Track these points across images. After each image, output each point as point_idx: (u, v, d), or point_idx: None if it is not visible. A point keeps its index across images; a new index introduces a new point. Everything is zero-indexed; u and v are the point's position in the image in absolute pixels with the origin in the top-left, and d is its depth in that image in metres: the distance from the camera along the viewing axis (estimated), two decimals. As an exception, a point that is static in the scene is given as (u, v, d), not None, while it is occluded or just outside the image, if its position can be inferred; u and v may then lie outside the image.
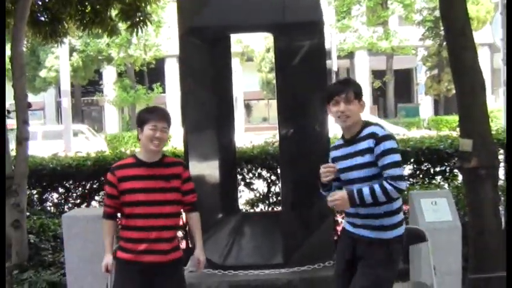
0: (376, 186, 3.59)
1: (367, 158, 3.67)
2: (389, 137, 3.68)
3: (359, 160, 3.70)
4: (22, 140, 5.85)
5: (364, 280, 3.66)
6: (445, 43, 9.51)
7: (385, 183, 3.58)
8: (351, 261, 3.82)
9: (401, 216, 3.81)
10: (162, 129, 3.84)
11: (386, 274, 3.70)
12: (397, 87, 39.81)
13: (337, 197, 3.68)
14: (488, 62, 37.46)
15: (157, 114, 3.87)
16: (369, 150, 3.66)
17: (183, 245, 7.21)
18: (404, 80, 43.57)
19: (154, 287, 3.85)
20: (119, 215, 3.99)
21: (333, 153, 3.95)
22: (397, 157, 3.64)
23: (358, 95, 3.82)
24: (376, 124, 3.81)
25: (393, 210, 3.74)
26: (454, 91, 5.94)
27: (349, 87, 3.80)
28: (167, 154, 6.27)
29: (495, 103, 27.97)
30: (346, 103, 3.74)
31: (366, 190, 3.61)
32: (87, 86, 39.91)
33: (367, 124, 3.80)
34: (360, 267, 3.72)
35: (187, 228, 6.80)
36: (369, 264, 3.68)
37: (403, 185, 3.63)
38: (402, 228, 3.79)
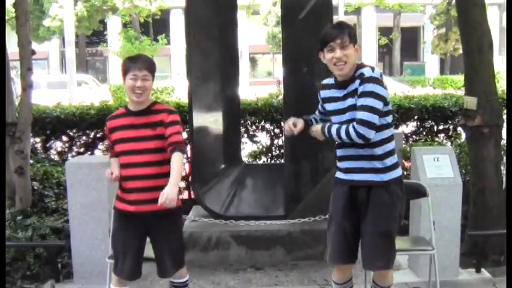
0: (344, 127, 3.49)
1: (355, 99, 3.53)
2: (374, 79, 3.47)
3: (352, 101, 3.55)
4: (26, 87, 5.83)
5: (376, 225, 3.57)
6: (454, 1, 9.36)
7: (350, 127, 3.46)
8: (349, 210, 3.67)
9: (395, 158, 3.67)
10: (142, 77, 3.74)
11: (393, 214, 3.60)
12: (404, 45, 39.53)
13: (314, 128, 3.72)
14: (497, 22, 37.06)
15: (137, 63, 3.77)
16: (357, 92, 3.52)
17: (185, 195, 7.29)
18: (411, 37, 43.22)
19: (150, 236, 3.89)
20: None
21: (323, 93, 3.80)
22: (374, 102, 3.43)
23: (353, 38, 3.60)
24: (370, 66, 3.60)
25: (386, 152, 3.61)
26: (461, 51, 5.90)
27: (343, 31, 3.56)
28: (171, 104, 6.27)
29: (502, 63, 27.73)
30: (341, 49, 3.51)
31: (333, 127, 3.56)
32: (92, 36, 39.64)
33: (360, 66, 3.59)
34: (368, 213, 3.59)
35: (189, 179, 6.87)
36: (373, 209, 3.57)
37: (369, 132, 3.42)
38: (399, 171, 3.67)
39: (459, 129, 7.11)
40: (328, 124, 3.65)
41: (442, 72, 39.35)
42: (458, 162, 5.27)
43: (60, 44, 39.12)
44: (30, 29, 6.04)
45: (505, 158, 5.95)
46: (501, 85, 6.92)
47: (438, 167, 5.05)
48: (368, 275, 4.40)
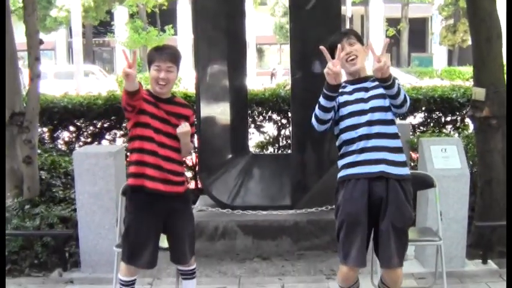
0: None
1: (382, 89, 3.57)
2: None
3: (378, 91, 3.62)
4: (34, 76, 5.84)
5: (396, 220, 3.54)
6: (462, -9, 9.34)
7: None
8: (369, 208, 3.58)
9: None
10: (167, 68, 3.73)
11: (409, 209, 3.60)
12: (412, 36, 39.38)
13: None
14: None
15: (162, 53, 3.75)
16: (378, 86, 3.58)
17: (192, 185, 7.31)
18: (419, 29, 43.00)
19: (167, 221, 3.87)
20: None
21: (342, 98, 3.69)
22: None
23: (359, 38, 3.81)
24: None
25: (400, 147, 3.69)
26: (469, 42, 5.89)
27: (349, 33, 3.82)
28: (178, 95, 6.29)
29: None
30: (350, 45, 3.71)
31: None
32: (99, 27, 39.61)
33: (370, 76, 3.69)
34: (387, 208, 3.54)
35: (196, 169, 6.88)
36: (392, 204, 3.53)
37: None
38: (408, 169, 3.70)
39: (467, 120, 7.09)
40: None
41: (450, 63, 39.19)
42: (465, 154, 5.26)
43: (67, 35, 39.10)
44: (37, 18, 6.04)
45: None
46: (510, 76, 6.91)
47: (446, 158, 5.04)
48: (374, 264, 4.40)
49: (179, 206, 3.90)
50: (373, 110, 3.61)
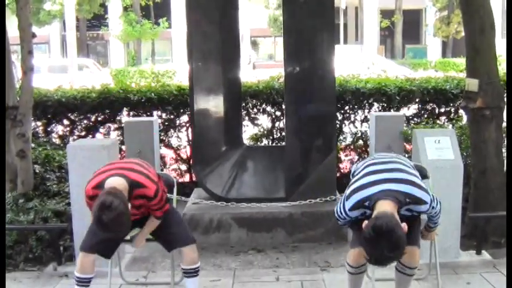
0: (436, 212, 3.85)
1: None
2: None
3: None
4: (27, 70, 5.81)
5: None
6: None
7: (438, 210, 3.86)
8: None
9: None
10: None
11: None
12: (406, 28, 39.27)
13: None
14: (500, 4, 36.84)
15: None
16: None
17: (186, 178, 7.31)
18: (413, 20, 42.93)
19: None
20: None
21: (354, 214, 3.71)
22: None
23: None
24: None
25: None
26: (463, 33, 5.87)
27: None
28: (172, 88, 6.23)
29: (505, 46, 27.58)
30: None
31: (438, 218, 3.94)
32: (92, 20, 39.43)
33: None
34: None
35: (190, 162, 6.88)
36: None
37: None
38: None
39: (460, 111, 7.09)
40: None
41: (444, 55, 39.13)
42: (459, 145, 5.27)
43: (61, 28, 38.90)
44: (30, 12, 6.01)
45: (505, 141, 5.95)
46: (503, 67, 6.89)
47: (439, 149, 5.04)
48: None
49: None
50: None
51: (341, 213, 3.71)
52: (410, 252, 3.66)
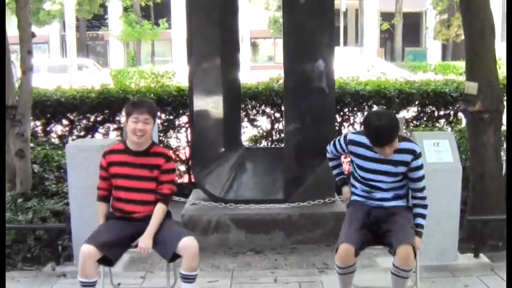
0: (420, 210, 4.03)
1: (399, 169, 3.95)
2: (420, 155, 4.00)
3: (391, 169, 3.96)
4: (26, 69, 5.82)
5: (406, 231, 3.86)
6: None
7: (420, 202, 4.05)
8: (367, 223, 4.02)
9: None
10: (144, 120, 3.96)
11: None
12: (406, 31, 39.35)
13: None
14: (500, 8, 36.87)
15: (139, 107, 3.99)
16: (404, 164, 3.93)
17: (185, 179, 7.31)
18: (413, 23, 42.99)
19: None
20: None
21: (354, 148, 4.07)
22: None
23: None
24: (412, 141, 4.10)
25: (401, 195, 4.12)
26: (463, 37, 5.88)
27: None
28: (172, 88, 6.28)
29: (504, 50, 27.59)
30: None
31: (422, 220, 4.01)
32: (92, 20, 39.44)
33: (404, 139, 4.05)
34: (393, 221, 3.95)
35: (189, 163, 6.88)
36: (399, 219, 3.95)
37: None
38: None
39: (460, 114, 7.11)
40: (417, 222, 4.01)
41: (444, 58, 39.16)
42: (458, 148, 5.27)
43: (61, 28, 38.92)
44: (30, 12, 6.01)
45: (505, 144, 5.96)
46: (502, 71, 6.89)
47: (438, 152, 5.04)
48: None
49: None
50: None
51: (339, 141, 4.17)
52: (404, 253, 3.71)
